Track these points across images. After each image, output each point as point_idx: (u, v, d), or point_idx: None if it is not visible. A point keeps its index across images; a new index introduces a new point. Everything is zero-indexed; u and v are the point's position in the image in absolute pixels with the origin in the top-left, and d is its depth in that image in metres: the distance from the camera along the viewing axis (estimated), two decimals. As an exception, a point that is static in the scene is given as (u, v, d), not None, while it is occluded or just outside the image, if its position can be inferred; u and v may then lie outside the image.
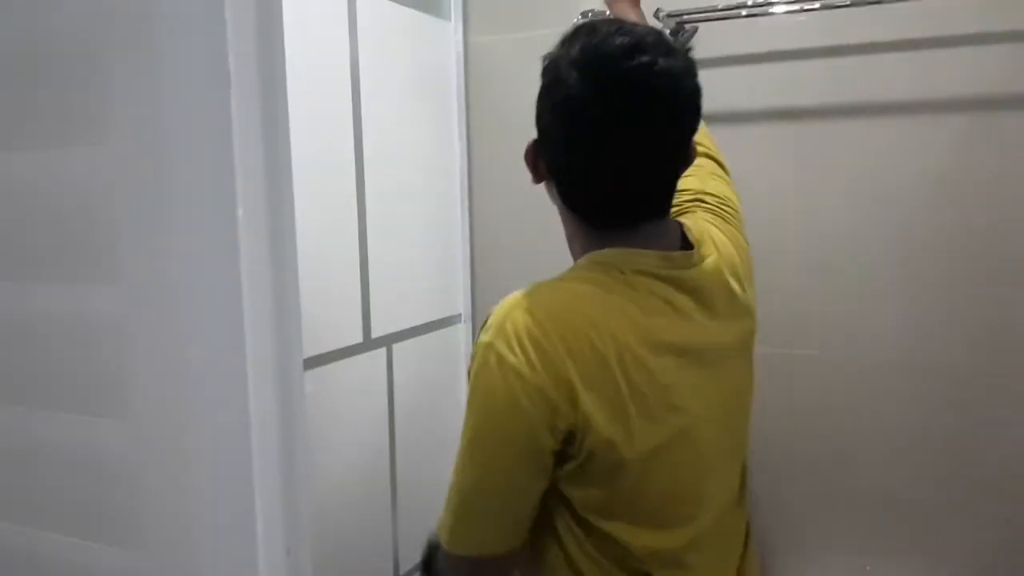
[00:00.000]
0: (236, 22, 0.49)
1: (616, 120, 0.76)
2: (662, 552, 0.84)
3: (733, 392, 0.90)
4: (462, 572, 0.83)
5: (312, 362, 1.22)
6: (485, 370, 0.76)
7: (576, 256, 0.88)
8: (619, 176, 0.80)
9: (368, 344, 1.36)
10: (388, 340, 1.41)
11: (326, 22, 1.24)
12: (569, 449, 0.78)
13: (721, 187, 1.06)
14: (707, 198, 1.01)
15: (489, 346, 0.77)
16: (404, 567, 1.48)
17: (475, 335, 1.66)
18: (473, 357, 0.79)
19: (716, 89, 1.40)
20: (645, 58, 0.75)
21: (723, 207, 1.02)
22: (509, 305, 0.79)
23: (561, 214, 0.90)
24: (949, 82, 1.27)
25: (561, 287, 0.81)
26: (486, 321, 0.80)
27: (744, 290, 0.92)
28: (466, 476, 0.80)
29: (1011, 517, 1.30)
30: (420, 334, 1.51)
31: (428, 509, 1.56)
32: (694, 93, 0.80)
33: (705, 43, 1.36)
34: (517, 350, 0.75)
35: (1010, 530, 1.31)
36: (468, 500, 0.80)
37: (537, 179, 0.89)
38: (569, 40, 0.82)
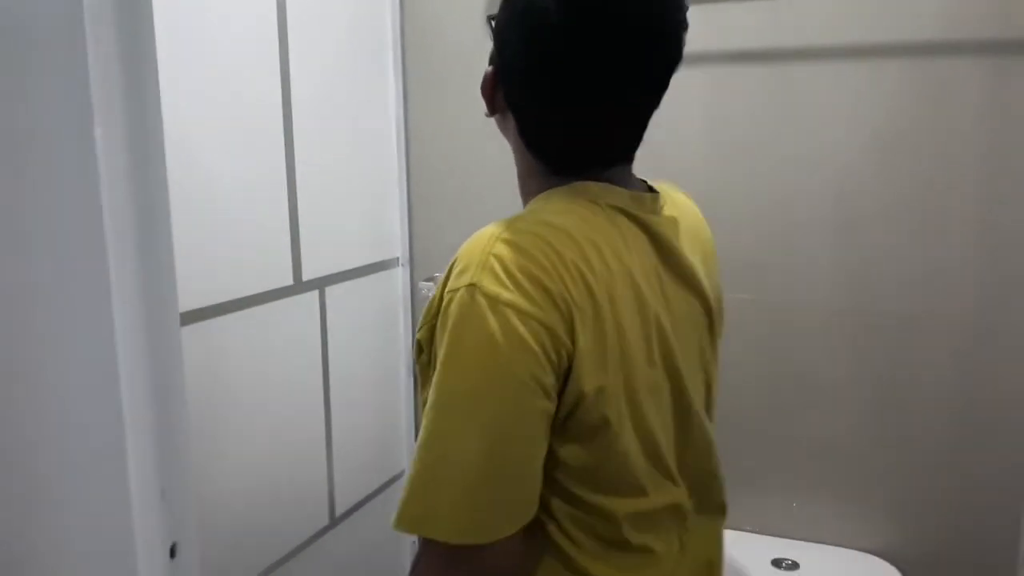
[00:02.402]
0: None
1: (599, 52, 0.67)
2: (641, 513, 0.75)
3: (696, 364, 0.83)
4: (474, 568, 0.65)
5: (237, 304, 1.20)
6: (472, 314, 0.63)
7: (529, 197, 0.78)
8: (594, 115, 0.71)
9: (299, 287, 1.33)
10: (320, 283, 1.38)
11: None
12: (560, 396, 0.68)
13: None
14: None
15: (472, 288, 0.64)
16: (340, 510, 1.48)
17: (414, 278, 1.64)
18: (444, 306, 0.66)
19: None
20: None
21: None
22: (487, 239, 0.67)
23: (516, 151, 0.80)
24: (887, 29, 1.25)
25: (543, 218, 0.69)
26: (451, 266, 0.68)
27: (708, 272, 0.84)
28: (468, 445, 0.64)
29: (940, 462, 1.34)
30: (355, 277, 1.48)
31: (363, 454, 1.57)
32: (682, 24, 0.71)
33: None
34: (510, 284, 0.63)
35: (939, 475, 1.35)
36: (479, 473, 0.64)
37: (491, 112, 0.79)
38: None
